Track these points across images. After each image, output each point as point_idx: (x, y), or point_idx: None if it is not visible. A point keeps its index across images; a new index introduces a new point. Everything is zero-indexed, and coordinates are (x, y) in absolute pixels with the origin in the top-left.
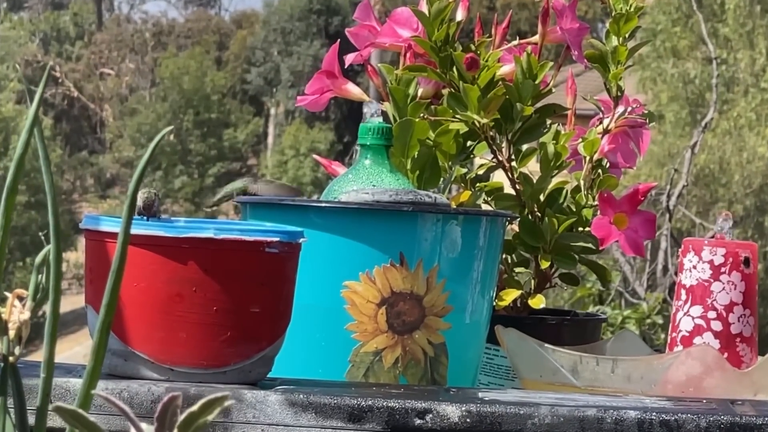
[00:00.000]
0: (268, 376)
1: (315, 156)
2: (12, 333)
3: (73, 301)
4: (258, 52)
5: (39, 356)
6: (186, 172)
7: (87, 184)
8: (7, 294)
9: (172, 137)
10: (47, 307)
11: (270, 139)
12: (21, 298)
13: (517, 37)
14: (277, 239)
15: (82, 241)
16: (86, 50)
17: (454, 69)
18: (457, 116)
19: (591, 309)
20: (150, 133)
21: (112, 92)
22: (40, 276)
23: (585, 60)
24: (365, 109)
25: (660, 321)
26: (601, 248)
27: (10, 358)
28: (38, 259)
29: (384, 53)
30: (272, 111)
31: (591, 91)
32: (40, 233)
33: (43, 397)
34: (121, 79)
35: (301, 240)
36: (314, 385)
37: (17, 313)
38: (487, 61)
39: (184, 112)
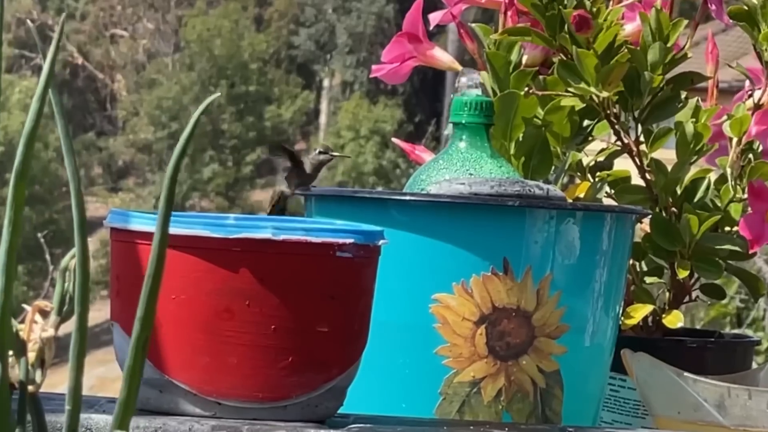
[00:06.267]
0: (339, 411)
1: (395, 140)
2: (32, 355)
3: None
4: (308, 9)
5: (48, 384)
6: (218, 159)
7: (94, 173)
8: (25, 307)
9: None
10: (72, 323)
11: (323, 118)
12: (43, 312)
13: None
14: (351, 241)
15: (90, 243)
16: (93, 6)
17: (566, 31)
18: (571, 89)
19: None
20: (172, 110)
21: (125, 59)
22: (66, 284)
23: (726, 17)
24: (461, 79)
25: None
26: (751, 252)
27: (30, 387)
28: (63, 262)
29: (467, 11)
30: (325, 83)
31: (725, 57)
32: (39, 234)
33: None
34: (137, 42)
35: (380, 242)
36: (396, 423)
37: (39, 330)
38: (605, 19)
39: (216, 84)
